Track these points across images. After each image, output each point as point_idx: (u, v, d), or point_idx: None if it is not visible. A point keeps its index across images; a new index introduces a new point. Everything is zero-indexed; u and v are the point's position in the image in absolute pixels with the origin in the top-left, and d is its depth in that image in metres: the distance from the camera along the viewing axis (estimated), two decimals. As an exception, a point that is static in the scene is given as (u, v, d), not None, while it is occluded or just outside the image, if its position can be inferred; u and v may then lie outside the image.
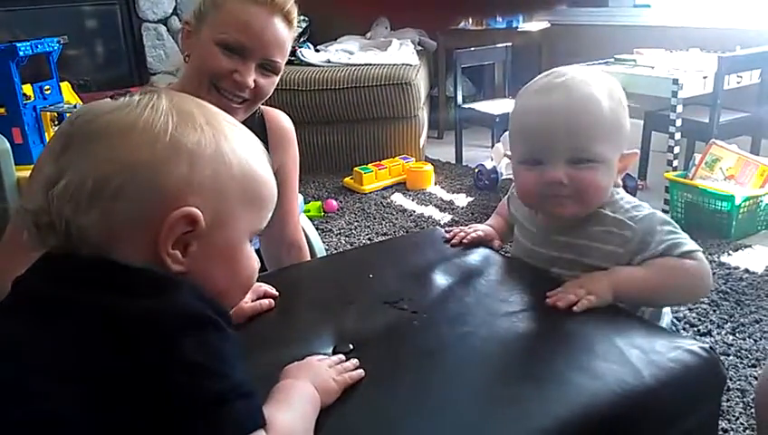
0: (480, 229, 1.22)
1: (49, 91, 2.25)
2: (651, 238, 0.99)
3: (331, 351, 0.88)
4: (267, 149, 1.32)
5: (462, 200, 2.92)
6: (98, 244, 0.61)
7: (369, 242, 2.45)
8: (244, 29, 1.17)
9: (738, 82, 2.68)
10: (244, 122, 1.30)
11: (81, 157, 0.62)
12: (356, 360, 0.82)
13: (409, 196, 3.02)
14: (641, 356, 0.82)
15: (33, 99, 2.20)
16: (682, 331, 1.22)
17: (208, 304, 0.61)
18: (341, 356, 0.83)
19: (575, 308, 0.93)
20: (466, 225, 1.26)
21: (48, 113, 2.24)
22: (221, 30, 1.17)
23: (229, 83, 1.19)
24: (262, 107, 1.35)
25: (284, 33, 1.21)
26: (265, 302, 0.99)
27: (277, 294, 1.02)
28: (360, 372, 0.80)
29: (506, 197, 1.24)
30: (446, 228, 1.26)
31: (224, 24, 1.17)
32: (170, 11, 4.28)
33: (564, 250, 1.07)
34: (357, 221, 2.72)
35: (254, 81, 1.20)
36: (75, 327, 0.57)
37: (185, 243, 0.63)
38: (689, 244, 0.99)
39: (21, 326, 0.59)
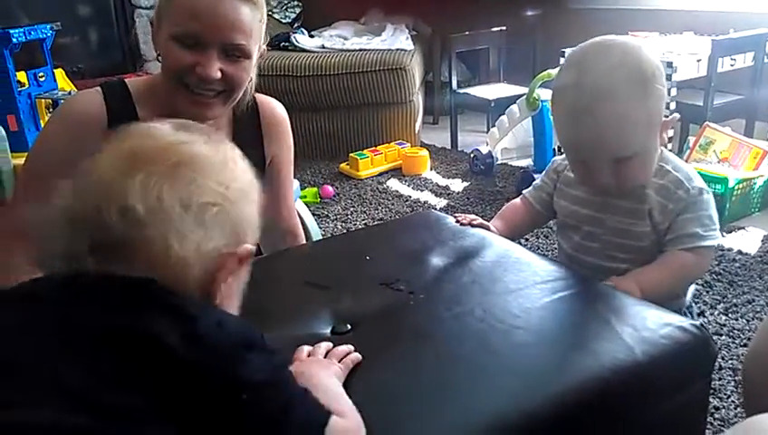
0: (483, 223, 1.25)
1: (43, 78, 2.25)
2: (691, 213, 1.10)
3: (329, 331, 0.89)
4: (260, 139, 1.32)
5: (457, 185, 2.93)
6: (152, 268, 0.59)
7: (365, 227, 2.46)
8: (194, 16, 1.08)
9: (732, 65, 2.69)
10: (235, 113, 1.29)
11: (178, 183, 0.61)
12: (350, 346, 0.82)
13: (405, 181, 3.03)
14: (633, 333, 0.84)
15: (27, 86, 2.20)
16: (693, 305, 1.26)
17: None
18: (329, 344, 0.83)
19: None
20: (462, 210, 1.29)
21: (43, 100, 2.23)
22: (174, 23, 1.11)
23: (194, 78, 1.11)
24: (255, 95, 1.29)
25: (243, 12, 1.10)
26: None
27: None
28: (358, 355, 0.81)
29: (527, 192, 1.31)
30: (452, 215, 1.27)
31: (175, 17, 1.11)
32: (163, -3, 4.25)
33: (617, 197, 1.14)
34: (353, 207, 2.72)
35: (221, 70, 1.11)
36: (123, 353, 0.55)
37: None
38: (709, 240, 1.09)
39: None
